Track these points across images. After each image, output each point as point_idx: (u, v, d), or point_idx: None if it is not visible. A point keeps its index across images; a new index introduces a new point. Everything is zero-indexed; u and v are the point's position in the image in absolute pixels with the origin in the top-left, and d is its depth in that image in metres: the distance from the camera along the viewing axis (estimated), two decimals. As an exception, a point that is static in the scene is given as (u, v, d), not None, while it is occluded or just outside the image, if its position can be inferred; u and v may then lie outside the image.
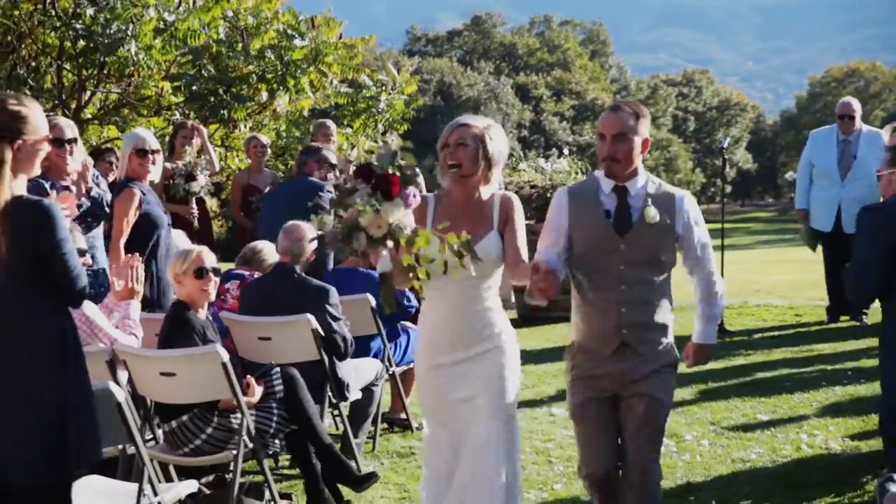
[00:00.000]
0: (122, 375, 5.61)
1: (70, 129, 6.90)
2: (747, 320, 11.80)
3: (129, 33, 10.41)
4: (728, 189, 69.13)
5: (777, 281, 16.36)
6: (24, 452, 4.01)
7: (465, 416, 4.75)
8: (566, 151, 14.73)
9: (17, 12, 10.92)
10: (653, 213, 4.58)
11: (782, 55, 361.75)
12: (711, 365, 9.15)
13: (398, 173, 4.21)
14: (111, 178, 8.12)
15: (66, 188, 6.60)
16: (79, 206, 6.64)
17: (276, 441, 6.00)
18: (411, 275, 4.24)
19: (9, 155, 4.03)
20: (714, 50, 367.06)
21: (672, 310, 4.74)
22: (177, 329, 5.82)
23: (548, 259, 4.60)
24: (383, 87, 12.60)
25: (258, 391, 5.94)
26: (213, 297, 6.03)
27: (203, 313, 5.95)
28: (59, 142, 6.76)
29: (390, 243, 4.16)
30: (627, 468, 4.69)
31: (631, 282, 4.60)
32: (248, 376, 6.00)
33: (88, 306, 5.43)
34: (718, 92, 78.04)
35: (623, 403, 4.69)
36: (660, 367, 4.67)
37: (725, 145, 11.90)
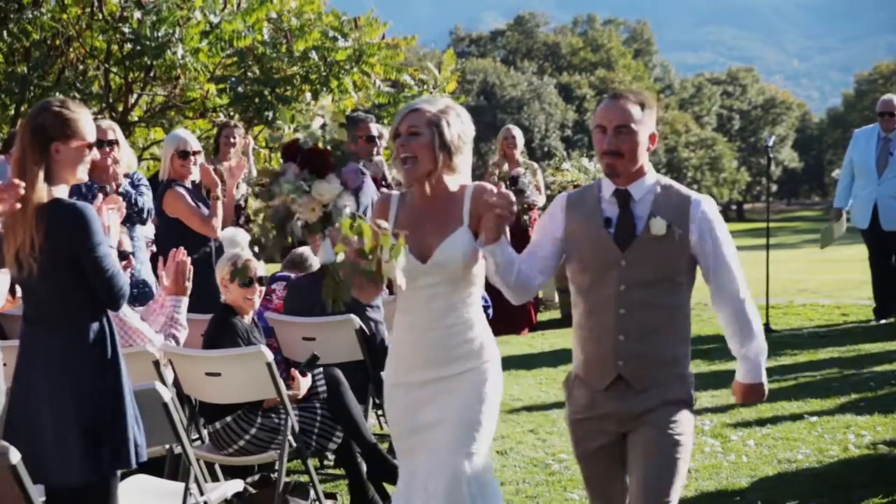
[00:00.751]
0: (169, 375, 5.66)
1: (111, 130, 6.98)
2: (793, 320, 11.72)
3: (177, 36, 10.52)
4: (773, 188, 68.72)
5: (823, 280, 16.23)
6: (61, 453, 4.05)
7: (426, 447, 4.07)
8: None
9: (64, 16, 11.04)
10: (659, 225, 3.83)
11: (829, 53, 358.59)
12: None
13: (330, 147, 3.73)
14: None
15: (103, 189, 6.67)
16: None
17: (328, 452, 6.00)
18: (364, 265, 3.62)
19: (47, 156, 4.08)
20: (759, 48, 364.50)
21: (688, 341, 4.01)
22: (221, 333, 5.87)
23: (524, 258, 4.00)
24: (424, 86, 12.63)
25: (305, 383, 5.97)
26: (257, 306, 6.08)
27: (248, 317, 6.00)
28: (98, 143, 6.86)
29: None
30: None
31: (632, 305, 3.85)
32: (293, 369, 6.04)
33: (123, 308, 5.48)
34: (763, 90, 77.43)
35: (628, 441, 3.97)
36: (669, 400, 3.92)
37: (770, 144, 11.85)
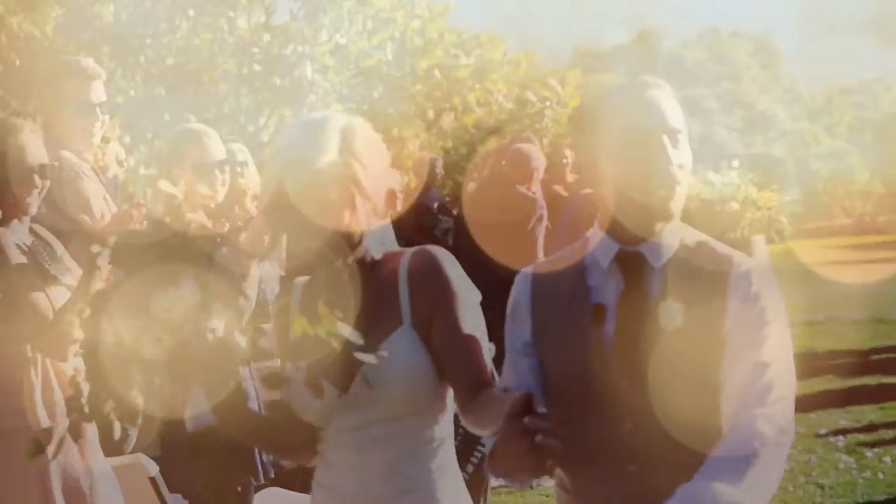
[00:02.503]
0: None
1: (241, 153, 7.15)
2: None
3: (305, 53, 10.77)
4: (909, 199, 66.91)
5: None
6: None
7: None
8: (735, 163, 14.51)
9: (197, 41, 11.38)
10: (671, 312, 2.20)
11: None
12: (891, 378, 8.87)
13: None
14: None
15: None
16: None
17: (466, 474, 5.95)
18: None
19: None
20: (891, 56, 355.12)
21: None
22: None
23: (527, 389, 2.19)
24: (548, 103, 12.64)
25: None
26: None
27: None
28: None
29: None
30: None
31: (646, 458, 2.20)
32: None
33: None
34: (897, 99, 75.56)
35: None
36: None
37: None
